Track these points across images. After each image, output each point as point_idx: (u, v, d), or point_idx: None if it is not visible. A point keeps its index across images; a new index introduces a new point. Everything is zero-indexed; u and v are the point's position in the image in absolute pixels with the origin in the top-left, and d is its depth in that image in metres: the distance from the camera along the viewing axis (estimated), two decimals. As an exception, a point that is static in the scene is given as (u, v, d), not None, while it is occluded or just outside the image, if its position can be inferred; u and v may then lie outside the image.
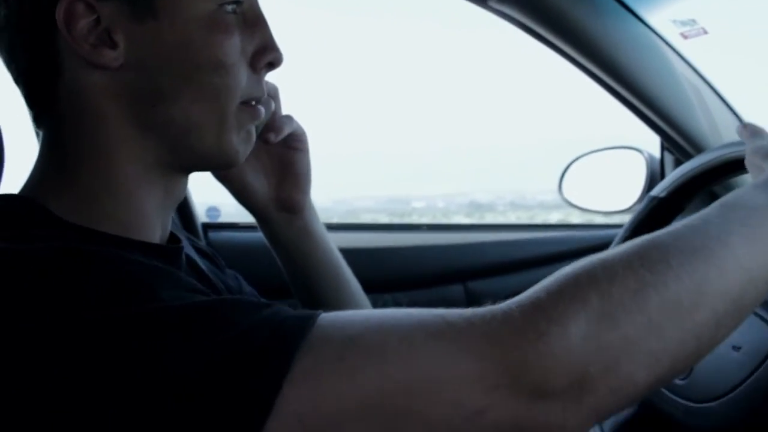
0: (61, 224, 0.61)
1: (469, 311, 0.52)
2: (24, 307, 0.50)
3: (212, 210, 1.58)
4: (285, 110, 0.86)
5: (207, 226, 1.52)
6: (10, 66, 0.66)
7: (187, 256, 0.76)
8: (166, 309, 0.50)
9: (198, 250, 0.88)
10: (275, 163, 0.89)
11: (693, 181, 1.04)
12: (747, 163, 0.78)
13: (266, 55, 0.69)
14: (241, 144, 0.69)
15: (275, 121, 0.84)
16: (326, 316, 0.52)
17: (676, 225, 0.58)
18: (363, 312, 0.55)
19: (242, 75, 0.67)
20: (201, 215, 1.52)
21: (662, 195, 1.10)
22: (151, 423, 0.47)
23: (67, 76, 0.63)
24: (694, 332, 0.52)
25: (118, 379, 0.47)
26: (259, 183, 0.88)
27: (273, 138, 0.84)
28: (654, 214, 1.11)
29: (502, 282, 1.58)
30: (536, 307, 0.50)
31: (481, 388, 0.49)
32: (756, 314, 0.92)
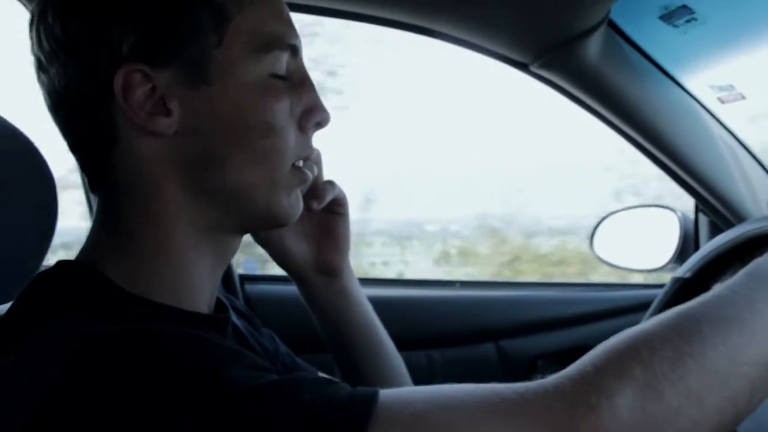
0: (123, 295, 0.63)
1: (521, 386, 0.53)
2: (111, 390, 0.50)
3: (249, 262, 1.59)
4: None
5: (244, 278, 1.53)
6: (67, 135, 0.68)
7: (232, 324, 0.77)
8: (236, 392, 0.50)
9: (236, 311, 0.89)
10: (315, 227, 0.90)
11: (718, 260, 1.04)
12: None
13: (314, 116, 0.71)
14: (291, 206, 0.71)
15: (317, 188, 0.85)
16: (388, 393, 0.53)
17: (706, 296, 0.60)
18: (423, 389, 0.55)
19: (292, 136, 0.69)
20: (238, 268, 1.53)
21: (687, 276, 1.10)
22: None
23: (122, 144, 0.65)
24: (732, 399, 0.54)
25: None
26: (299, 247, 0.89)
27: (316, 206, 0.85)
28: (679, 294, 1.11)
29: (534, 341, 1.57)
30: (585, 381, 0.52)
31: None
32: None
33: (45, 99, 0.67)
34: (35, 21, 0.65)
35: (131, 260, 0.65)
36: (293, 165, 0.70)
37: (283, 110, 0.67)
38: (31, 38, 0.66)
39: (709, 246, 1.17)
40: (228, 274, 1.45)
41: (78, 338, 0.54)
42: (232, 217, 0.69)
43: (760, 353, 0.56)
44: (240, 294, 1.48)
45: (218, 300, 0.77)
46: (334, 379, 0.56)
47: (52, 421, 0.50)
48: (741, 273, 0.63)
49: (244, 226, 0.72)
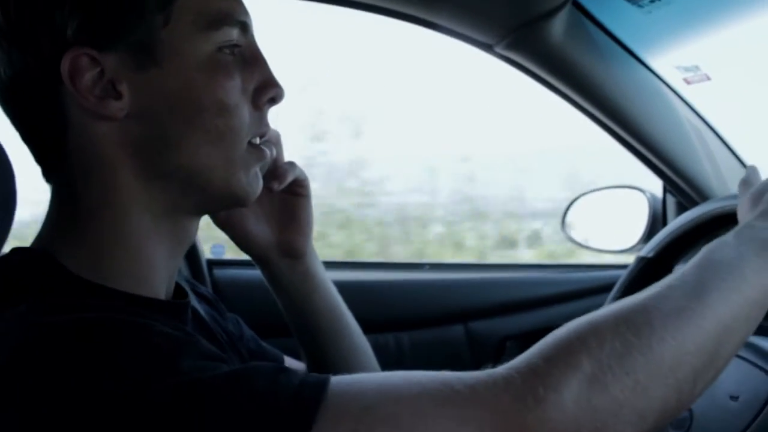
0: (78, 283, 0.62)
1: (472, 377, 0.54)
2: (55, 380, 0.50)
3: (217, 247, 1.58)
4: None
5: (212, 263, 1.52)
6: (17, 124, 0.66)
7: (192, 309, 0.76)
8: (185, 383, 0.50)
9: (200, 296, 0.89)
10: (277, 208, 0.89)
11: (680, 239, 1.05)
12: (739, 216, 0.80)
13: (267, 92, 0.70)
14: (250, 184, 0.70)
15: (278, 169, 0.84)
16: (339, 381, 0.53)
17: (658, 285, 0.61)
18: (375, 377, 0.55)
19: (245, 114, 0.68)
20: (206, 252, 1.52)
21: (650, 255, 1.11)
22: None
23: (74, 130, 0.64)
24: (676, 388, 0.56)
25: None
26: (261, 229, 0.88)
27: (276, 186, 0.84)
28: (644, 274, 1.12)
29: (503, 322, 1.58)
30: (534, 374, 0.53)
31: None
32: (752, 363, 0.92)
33: None
34: None
35: (87, 247, 0.65)
36: (249, 143, 0.69)
37: (234, 87, 0.66)
38: None
39: (672, 225, 1.18)
40: (195, 258, 1.44)
41: (27, 327, 0.54)
42: (189, 199, 0.68)
43: (705, 342, 0.57)
44: (208, 279, 1.47)
45: (178, 285, 0.76)
46: (286, 367, 0.55)
47: None
48: (692, 262, 0.64)
49: (203, 207, 0.71)
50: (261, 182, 0.73)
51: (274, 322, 0.96)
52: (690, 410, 0.95)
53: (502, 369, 0.54)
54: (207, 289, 0.98)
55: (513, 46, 1.21)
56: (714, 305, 0.59)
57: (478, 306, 1.58)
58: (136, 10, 0.62)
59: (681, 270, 0.63)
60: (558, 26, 1.17)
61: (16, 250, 0.66)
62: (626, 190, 1.69)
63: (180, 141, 0.65)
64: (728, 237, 0.67)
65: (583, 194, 1.72)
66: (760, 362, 0.91)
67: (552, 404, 0.51)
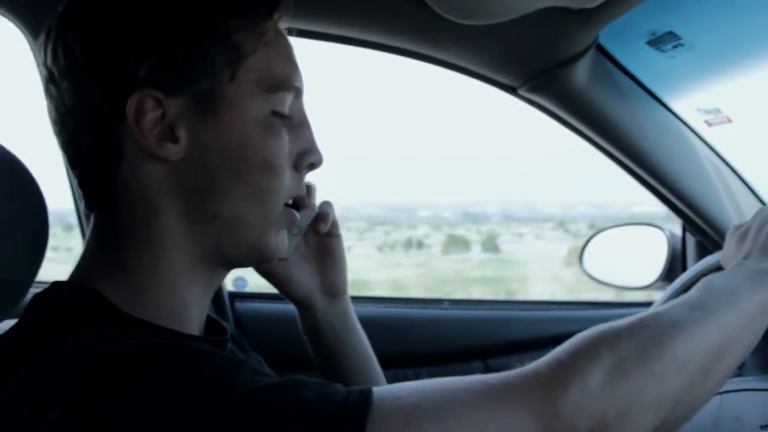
0: (125, 317, 0.64)
1: (504, 373, 0.59)
2: (129, 400, 0.52)
3: (239, 280, 1.59)
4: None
5: (234, 296, 1.53)
6: (69, 149, 0.69)
7: (229, 347, 0.78)
8: (243, 395, 0.53)
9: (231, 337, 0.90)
10: (315, 251, 0.92)
11: None
12: (723, 259, 0.89)
13: (309, 157, 0.73)
14: (278, 244, 0.73)
15: (321, 211, 0.88)
16: (382, 389, 0.57)
17: (665, 304, 0.69)
18: (414, 384, 0.59)
19: (287, 176, 0.71)
20: (228, 285, 1.54)
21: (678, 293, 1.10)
22: None
23: (126, 165, 0.66)
24: (688, 380, 0.63)
25: None
26: (302, 272, 0.91)
27: (324, 228, 0.89)
28: None
29: (522, 359, 1.57)
30: (560, 365, 0.59)
31: None
32: None
33: (50, 111, 0.69)
34: (52, 36, 0.67)
35: (126, 281, 0.67)
36: (285, 204, 0.72)
37: (282, 149, 0.69)
38: (46, 52, 0.67)
39: (697, 267, 1.18)
40: (217, 291, 1.45)
41: (91, 355, 0.56)
42: (223, 249, 0.70)
43: (711, 344, 0.65)
44: (230, 312, 1.48)
45: (216, 322, 0.79)
46: (330, 382, 0.58)
47: None
48: (696, 287, 0.72)
49: (233, 259, 0.73)
50: (287, 244, 0.75)
51: (295, 355, 0.97)
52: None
53: (532, 364, 0.59)
54: (230, 326, 0.99)
55: (537, 89, 1.23)
56: (715, 315, 0.67)
57: (497, 343, 1.58)
58: (207, 63, 0.65)
59: (682, 296, 0.70)
60: (582, 70, 1.19)
61: (56, 284, 0.67)
62: (645, 227, 1.69)
63: (225, 191, 0.67)
64: (722, 273, 0.76)
65: (602, 231, 1.73)
66: None
67: (578, 390, 0.57)
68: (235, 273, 1.67)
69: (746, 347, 0.69)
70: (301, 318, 0.94)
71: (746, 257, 0.80)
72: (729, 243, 0.87)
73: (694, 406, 0.65)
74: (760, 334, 0.71)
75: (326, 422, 0.53)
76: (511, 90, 1.24)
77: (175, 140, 0.66)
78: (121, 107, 0.64)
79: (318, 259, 0.92)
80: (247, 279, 1.65)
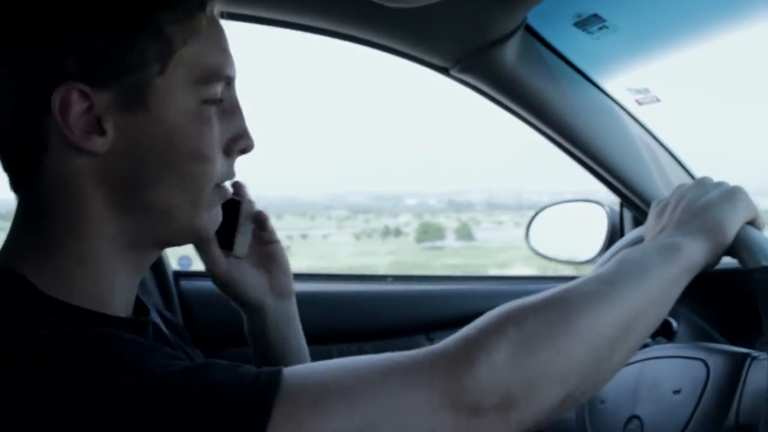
0: (45, 300, 0.65)
1: (414, 351, 0.61)
2: (21, 394, 0.54)
3: (184, 259, 1.60)
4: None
5: (179, 275, 1.54)
6: None
7: (154, 325, 0.80)
8: (156, 378, 0.55)
9: (166, 321, 0.92)
10: (263, 258, 0.96)
11: None
12: (646, 233, 0.89)
13: (241, 143, 0.74)
14: (211, 221, 0.74)
15: (260, 218, 0.93)
16: (292, 369, 0.59)
17: (576, 279, 0.71)
18: (325, 363, 0.61)
19: (218, 162, 0.71)
20: (172, 264, 1.55)
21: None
22: None
23: (51, 156, 0.66)
24: (594, 354, 0.65)
25: None
26: (256, 278, 0.94)
27: (267, 236, 0.94)
28: None
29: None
30: (467, 340, 0.61)
31: (429, 411, 0.59)
32: (688, 358, 0.97)
33: None
34: None
35: (52, 266, 0.67)
36: (216, 184, 0.73)
37: (213, 138, 0.70)
38: None
39: (621, 241, 1.23)
40: (162, 270, 1.47)
41: (2, 346, 0.57)
42: (154, 234, 0.71)
43: (618, 319, 0.67)
44: (174, 290, 1.49)
45: (140, 303, 0.80)
46: (242, 364, 0.60)
47: None
48: (612, 261, 0.74)
49: (165, 241, 0.74)
50: (220, 218, 0.76)
51: (240, 332, 1.00)
52: (639, 416, 0.99)
53: (441, 342, 0.62)
54: (176, 319, 1.01)
55: (468, 69, 1.25)
56: (624, 290, 0.69)
57: (440, 318, 1.62)
58: (136, 56, 0.65)
59: (597, 270, 0.73)
60: (511, 50, 1.21)
61: None
62: (586, 203, 1.74)
63: (153, 182, 0.68)
64: (637, 246, 0.78)
65: (546, 207, 1.77)
66: (695, 354, 0.96)
67: (483, 365, 0.59)
68: (180, 252, 1.68)
69: (654, 321, 0.71)
70: (249, 321, 0.97)
71: (662, 231, 0.82)
72: (650, 217, 0.90)
73: (601, 379, 0.68)
74: (668, 308, 0.73)
75: (235, 401, 0.55)
76: (443, 71, 1.27)
77: (102, 133, 0.65)
78: (47, 99, 0.63)
79: (264, 264, 0.95)
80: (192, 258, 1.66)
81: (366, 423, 0.57)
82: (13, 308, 0.63)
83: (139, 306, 0.80)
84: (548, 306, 0.65)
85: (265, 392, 0.56)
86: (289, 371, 0.58)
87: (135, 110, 0.65)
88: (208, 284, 1.57)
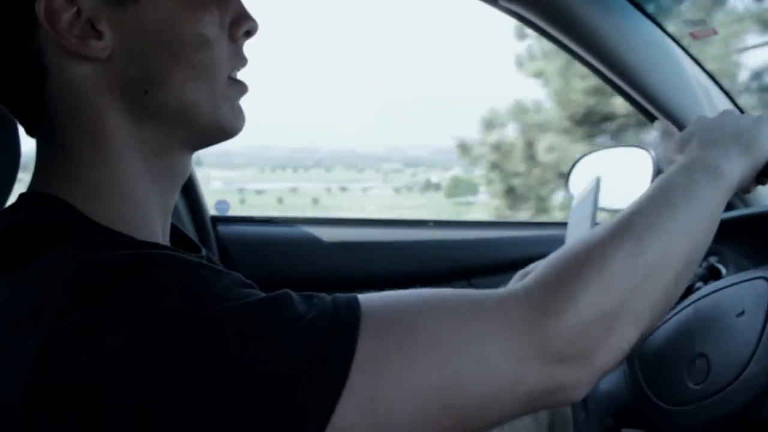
0: (98, 228, 0.62)
1: (497, 294, 0.59)
2: (121, 314, 0.51)
3: (221, 203, 1.58)
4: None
5: (216, 219, 1.52)
6: None
7: (209, 260, 0.76)
8: (235, 308, 0.52)
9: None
10: None
11: None
12: (664, 162, 0.86)
13: (243, 25, 0.70)
14: (236, 117, 0.70)
15: None
16: (367, 299, 0.56)
17: (631, 206, 0.68)
18: (408, 298, 0.58)
19: (225, 47, 0.68)
20: (210, 209, 1.53)
21: None
22: (234, 414, 0.49)
23: (54, 75, 0.63)
24: (665, 290, 0.64)
25: (204, 380, 0.49)
26: None
27: None
28: None
29: (507, 280, 1.58)
30: (550, 287, 0.59)
31: (516, 361, 0.56)
32: (746, 279, 0.93)
33: None
34: None
35: (84, 194, 0.64)
36: (229, 76, 0.69)
37: (213, 21, 0.66)
38: None
39: None
40: (200, 215, 1.45)
41: (83, 262, 0.54)
42: (178, 137, 0.67)
43: (682, 250, 0.66)
44: (212, 235, 1.48)
45: (190, 240, 0.78)
46: (314, 294, 0.57)
47: (61, 350, 0.50)
48: (658, 186, 0.70)
49: (192, 143, 0.70)
50: (245, 116, 0.72)
51: (277, 278, 0.98)
52: (704, 353, 0.94)
53: (522, 286, 0.60)
54: (213, 256, 0.97)
55: (518, -1, 1.20)
56: (683, 219, 0.67)
57: (482, 263, 1.59)
58: None
59: (643, 196, 0.69)
60: (564, -22, 1.16)
61: (25, 196, 0.65)
62: (631, 149, 1.68)
63: (165, 78, 0.64)
64: (678, 169, 0.74)
65: (587, 154, 1.72)
66: (752, 275, 0.92)
67: (569, 314, 0.58)
68: (217, 197, 1.66)
69: (705, 249, 0.70)
70: None
71: (696, 150, 0.77)
72: (669, 147, 0.85)
73: (664, 312, 0.66)
74: (713, 233, 0.71)
75: (316, 337, 0.52)
76: (493, 1, 1.22)
77: (99, 36, 0.61)
78: (32, 13, 0.60)
79: None
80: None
81: (453, 372, 0.55)
82: (69, 234, 0.59)
83: (189, 243, 0.77)
84: (623, 243, 0.63)
85: (347, 330, 0.53)
86: (366, 302, 0.55)
87: (125, 4, 0.62)
88: (245, 228, 1.58)
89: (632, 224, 0.65)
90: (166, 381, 0.49)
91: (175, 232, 0.78)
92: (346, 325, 0.53)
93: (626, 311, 0.61)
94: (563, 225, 1.85)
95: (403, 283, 1.59)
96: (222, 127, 0.69)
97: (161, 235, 0.70)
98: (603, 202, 1.69)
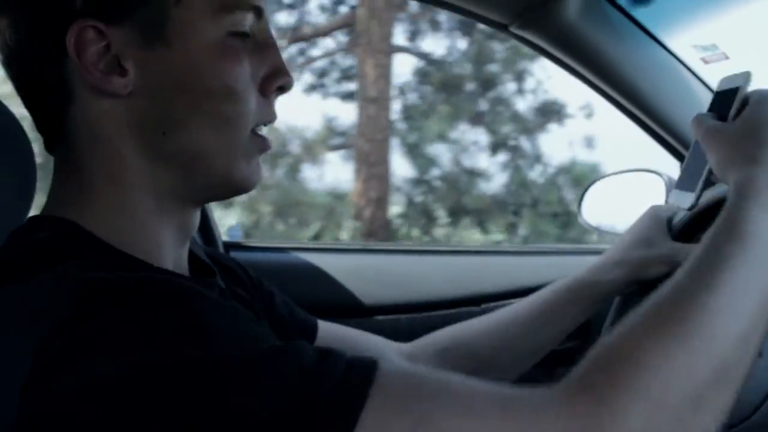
0: (108, 249, 0.62)
1: (535, 398, 0.51)
2: (113, 336, 0.50)
3: (233, 229, 1.59)
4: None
5: (228, 246, 1.52)
6: (20, 91, 0.66)
7: (221, 289, 0.76)
8: (236, 357, 0.49)
9: (225, 268, 0.87)
10: None
11: (702, 216, 1.00)
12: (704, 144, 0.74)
13: (277, 80, 0.69)
14: (252, 173, 0.69)
15: None
16: (388, 371, 0.51)
17: (696, 271, 0.57)
18: (429, 379, 0.53)
19: (252, 101, 0.66)
20: (222, 234, 1.53)
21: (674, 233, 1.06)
22: None
23: (77, 103, 0.63)
24: (731, 390, 0.54)
25: (190, 424, 0.46)
26: None
27: None
28: None
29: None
30: (600, 401, 0.50)
31: None
32: None
33: None
34: None
35: (97, 218, 0.64)
36: (253, 131, 0.68)
37: (243, 74, 0.65)
38: None
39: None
40: (212, 241, 1.45)
41: (82, 282, 0.53)
42: (190, 184, 0.67)
43: (744, 333, 0.55)
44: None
45: (205, 266, 0.77)
46: (333, 350, 0.53)
47: (51, 373, 0.49)
48: (709, 244, 0.60)
49: (204, 194, 0.70)
50: (262, 173, 0.71)
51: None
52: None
53: (564, 389, 0.52)
54: (233, 260, 0.96)
55: (528, 25, 1.21)
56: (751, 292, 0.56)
57: (492, 289, 1.58)
58: None
59: (712, 247, 0.59)
60: (573, 5, 1.16)
61: (34, 218, 0.66)
62: (643, 173, 1.68)
63: (184, 123, 0.64)
64: (743, 213, 0.61)
65: (599, 179, 1.71)
66: None
67: (619, 427, 0.49)
68: (229, 222, 1.66)
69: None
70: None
71: (753, 173, 0.64)
72: (734, 132, 0.70)
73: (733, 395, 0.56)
74: None
75: (321, 394, 0.48)
76: (503, 27, 1.22)
77: (123, 73, 0.62)
78: (63, 42, 0.60)
79: None
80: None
81: None
82: (81, 253, 0.60)
83: (205, 268, 0.76)
84: (686, 334, 0.53)
85: (353, 399, 0.48)
86: (383, 373, 0.50)
87: (154, 45, 0.62)
88: (257, 255, 1.58)
89: (699, 306, 0.54)
90: (151, 418, 0.47)
91: (190, 255, 0.77)
92: (353, 395, 0.48)
93: (677, 424, 0.51)
94: (569, 253, 1.84)
95: (415, 309, 1.58)
96: (234, 181, 0.68)
97: (173, 267, 0.69)
98: (613, 227, 1.69)
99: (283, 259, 1.48)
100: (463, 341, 1.00)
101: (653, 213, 1.03)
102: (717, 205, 0.89)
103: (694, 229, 0.98)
